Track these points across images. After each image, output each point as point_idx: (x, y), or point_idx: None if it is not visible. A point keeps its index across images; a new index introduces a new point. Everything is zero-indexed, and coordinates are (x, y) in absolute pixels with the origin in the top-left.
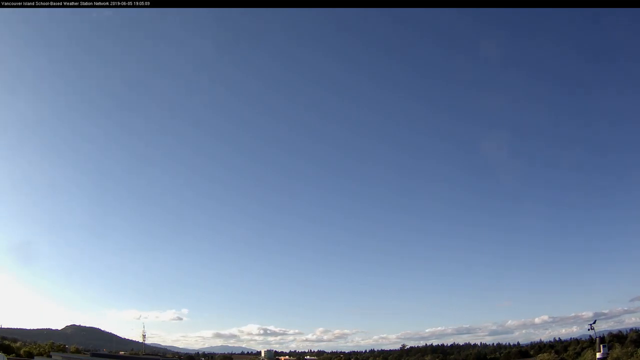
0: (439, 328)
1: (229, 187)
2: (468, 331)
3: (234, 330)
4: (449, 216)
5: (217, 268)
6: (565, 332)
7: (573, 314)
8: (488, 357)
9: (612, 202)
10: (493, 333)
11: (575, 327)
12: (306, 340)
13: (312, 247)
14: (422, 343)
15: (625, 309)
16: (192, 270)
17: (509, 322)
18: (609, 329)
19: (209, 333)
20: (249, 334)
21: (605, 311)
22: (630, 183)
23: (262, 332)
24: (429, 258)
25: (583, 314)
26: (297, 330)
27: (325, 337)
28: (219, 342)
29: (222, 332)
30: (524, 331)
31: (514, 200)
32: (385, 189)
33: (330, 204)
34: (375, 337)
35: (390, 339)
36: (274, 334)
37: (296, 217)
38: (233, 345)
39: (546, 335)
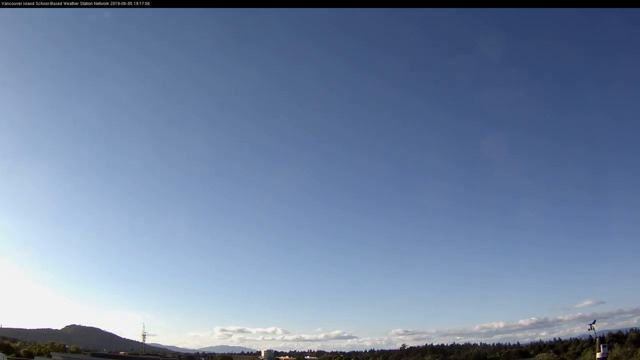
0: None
1: (230, 185)
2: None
3: (236, 330)
4: (449, 213)
5: (218, 267)
6: (565, 332)
7: (573, 314)
8: (488, 357)
9: (613, 200)
10: (493, 333)
11: (575, 326)
12: (311, 339)
13: (312, 247)
14: (422, 343)
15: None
16: (193, 269)
17: (509, 322)
18: (608, 329)
19: (210, 333)
20: (251, 333)
21: (605, 310)
22: (631, 180)
23: (262, 332)
24: (429, 256)
25: (584, 313)
26: (300, 331)
27: (330, 337)
28: (219, 342)
29: (223, 332)
30: (524, 332)
31: (513, 197)
32: (385, 185)
33: (328, 200)
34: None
35: (400, 339)
36: (276, 333)
37: (296, 211)
38: (234, 345)
39: (546, 336)
